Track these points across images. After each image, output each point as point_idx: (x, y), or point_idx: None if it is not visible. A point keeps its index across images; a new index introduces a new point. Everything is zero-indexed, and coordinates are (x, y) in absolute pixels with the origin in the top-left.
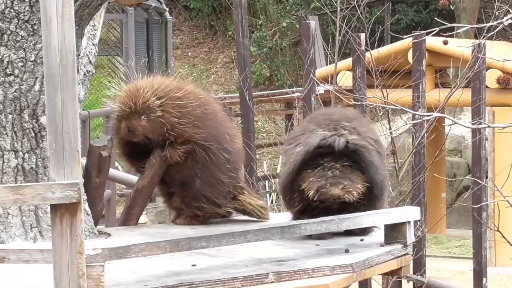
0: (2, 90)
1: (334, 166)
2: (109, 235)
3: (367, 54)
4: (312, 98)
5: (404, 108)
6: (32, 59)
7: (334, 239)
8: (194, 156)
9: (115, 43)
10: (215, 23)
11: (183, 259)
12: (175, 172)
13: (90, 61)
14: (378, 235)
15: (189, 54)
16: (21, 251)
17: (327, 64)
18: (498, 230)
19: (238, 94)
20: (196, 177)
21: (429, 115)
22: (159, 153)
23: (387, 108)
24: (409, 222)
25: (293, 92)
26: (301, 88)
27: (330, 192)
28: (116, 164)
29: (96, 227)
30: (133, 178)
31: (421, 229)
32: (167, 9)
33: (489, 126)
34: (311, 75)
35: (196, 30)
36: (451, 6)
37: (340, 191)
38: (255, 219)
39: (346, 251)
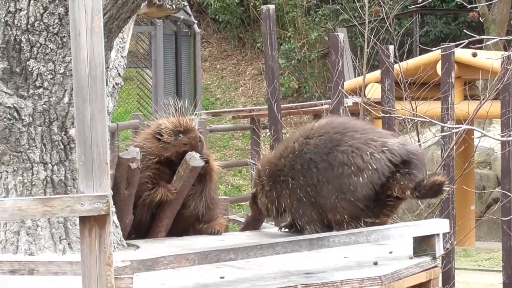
0: (32, 103)
1: (408, 172)
2: (138, 247)
3: (396, 66)
4: (341, 110)
5: (433, 121)
6: (61, 71)
7: (363, 250)
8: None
9: (144, 55)
10: (244, 35)
11: (212, 271)
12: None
13: (119, 73)
14: (407, 247)
15: (218, 66)
16: (50, 263)
17: (355, 76)
18: None
19: (266, 106)
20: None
21: (458, 128)
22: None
23: (416, 120)
24: (438, 234)
25: (322, 104)
26: (330, 100)
27: (432, 178)
28: None
29: (124, 239)
30: None
31: (450, 242)
32: (196, 22)
33: None
34: (340, 87)
35: (224, 42)
36: (480, 18)
37: (441, 177)
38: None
39: (375, 263)
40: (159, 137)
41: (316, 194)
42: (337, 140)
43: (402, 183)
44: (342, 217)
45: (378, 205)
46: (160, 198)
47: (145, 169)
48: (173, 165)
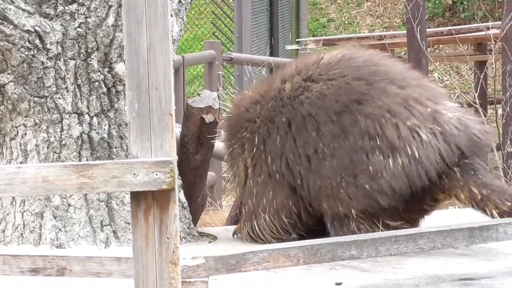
0: (61, 25)
1: (472, 166)
2: (215, 238)
3: None
4: None
5: None
6: None
7: None
8: None
9: None
10: None
11: (323, 274)
12: None
13: None
14: None
15: None
16: (89, 259)
17: None
18: None
19: (404, 31)
20: None
21: None
22: None
23: None
24: None
25: (488, 28)
26: (500, 22)
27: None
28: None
29: (196, 225)
30: None
31: None
32: None
33: None
34: None
35: None
36: None
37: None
38: None
39: None
40: None
41: (306, 171)
42: (359, 92)
43: (472, 189)
44: (346, 210)
45: (411, 209)
46: None
47: None
48: None
